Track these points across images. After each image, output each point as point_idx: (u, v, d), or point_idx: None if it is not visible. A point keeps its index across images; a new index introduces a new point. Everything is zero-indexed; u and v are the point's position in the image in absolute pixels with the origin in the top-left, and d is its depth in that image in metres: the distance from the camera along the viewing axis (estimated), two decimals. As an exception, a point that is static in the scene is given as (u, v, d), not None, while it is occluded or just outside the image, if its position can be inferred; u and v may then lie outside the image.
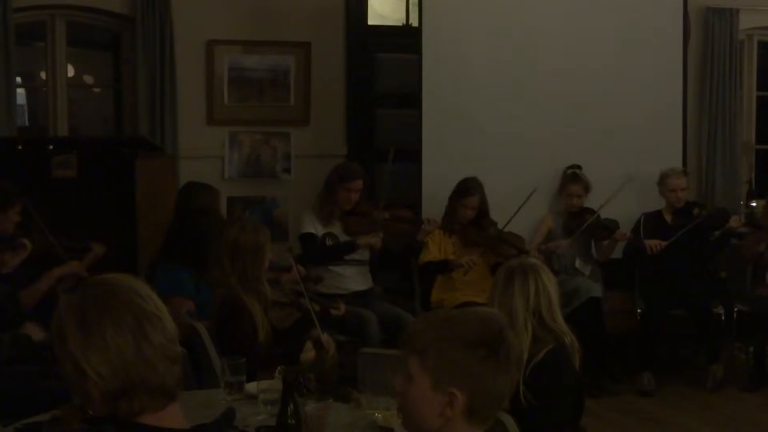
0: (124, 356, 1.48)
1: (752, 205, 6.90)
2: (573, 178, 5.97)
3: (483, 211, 5.64)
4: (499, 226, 5.59)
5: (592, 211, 5.86)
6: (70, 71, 6.55)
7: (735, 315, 5.97)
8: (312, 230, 5.38)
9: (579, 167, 6.02)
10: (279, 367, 2.96)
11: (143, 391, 1.50)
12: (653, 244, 5.83)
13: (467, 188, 5.60)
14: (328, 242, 5.39)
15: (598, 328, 5.64)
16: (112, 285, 1.54)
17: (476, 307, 2.06)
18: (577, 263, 5.91)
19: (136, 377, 1.49)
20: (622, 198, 5.81)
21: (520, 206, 5.49)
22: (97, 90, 7.69)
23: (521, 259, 3.13)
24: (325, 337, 3.80)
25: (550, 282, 3.03)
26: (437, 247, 5.59)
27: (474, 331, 1.84)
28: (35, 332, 4.14)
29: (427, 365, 1.82)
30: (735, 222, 5.92)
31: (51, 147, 5.46)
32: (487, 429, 1.96)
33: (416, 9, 6.25)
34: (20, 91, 6.57)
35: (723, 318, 5.92)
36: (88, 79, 7.54)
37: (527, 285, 2.96)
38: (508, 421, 2.46)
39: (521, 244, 5.62)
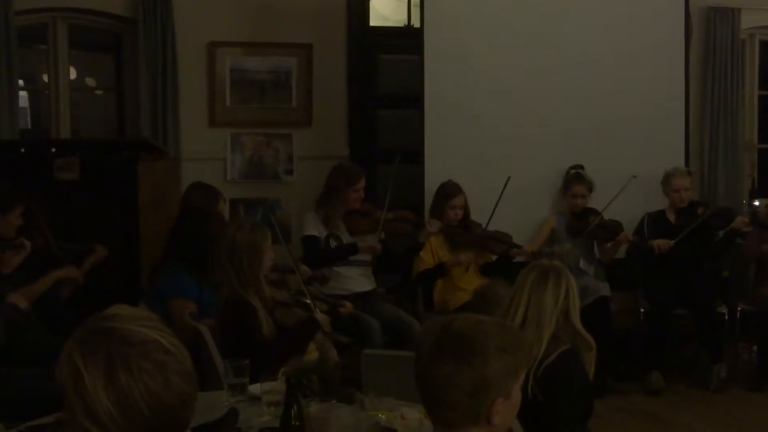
0: (151, 412, 1.43)
1: (755, 204, 6.89)
2: (577, 178, 5.97)
3: (467, 211, 5.67)
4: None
5: (595, 212, 5.86)
6: (72, 74, 6.55)
7: (738, 314, 5.96)
8: (315, 232, 5.38)
9: (581, 167, 6.02)
10: (282, 369, 2.96)
11: None
12: (660, 243, 5.82)
13: (451, 190, 5.64)
14: (332, 244, 5.39)
15: (606, 327, 5.65)
16: (142, 346, 1.45)
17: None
18: (581, 263, 5.91)
19: (161, 425, 1.46)
20: (625, 198, 5.80)
21: (497, 200, 5.47)
22: (99, 92, 7.70)
23: (551, 261, 3.18)
24: (321, 316, 3.81)
25: (575, 287, 3.11)
26: (430, 254, 5.59)
27: None
28: (20, 300, 4.13)
29: None
30: (739, 223, 5.90)
31: (53, 149, 5.46)
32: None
33: (418, 10, 6.25)
34: (22, 94, 6.58)
35: (726, 317, 5.92)
36: (90, 81, 7.55)
37: (560, 286, 3.03)
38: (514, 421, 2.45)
39: (510, 240, 5.64)
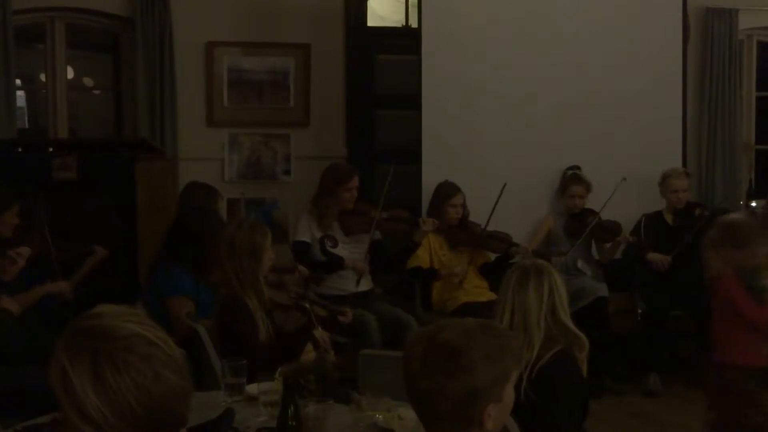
0: (141, 408, 1.42)
1: (752, 205, 6.90)
2: (574, 178, 5.97)
3: (466, 211, 5.67)
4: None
5: (593, 212, 5.86)
6: (70, 73, 6.55)
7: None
8: (306, 238, 5.37)
9: (579, 168, 6.02)
10: (279, 369, 2.96)
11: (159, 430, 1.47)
12: (658, 261, 5.80)
13: (449, 189, 5.64)
14: (328, 245, 5.38)
15: (603, 328, 5.65)
16: (126, 341, 1.43)
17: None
18: (579, 264, 5.91)
19: (154, 421, 1.45)
20: (623, 199, 5.80)
21: (494, 206, 5.46)
22: (96, 92, 7.69)
23: (534, 260, 3.16)
24: (319, 332, 3.77)
25: (561, 283, 3.06)
26: (427, 253, 5.59)
27: None
28: (11, 305, 4.10)
29: None
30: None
31: (51, 149, 5.46)
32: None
33: (415, 10, 6.25)
34: (20, 94, 6.57)
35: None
36: (88, 81, 7.55)
37: (542, 284, 2.99)
38: (510, 422, 2.45)
39: (509, 239, 5.64)
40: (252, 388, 3.00)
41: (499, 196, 5.44)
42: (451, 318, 2.18)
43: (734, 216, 3.94)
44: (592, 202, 5.93)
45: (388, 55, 6.72)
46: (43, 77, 6.47)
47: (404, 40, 6.54)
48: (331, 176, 5.42)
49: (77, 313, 1.51)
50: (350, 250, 5.42)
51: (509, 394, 1.93)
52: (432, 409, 1.88)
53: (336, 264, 5.33)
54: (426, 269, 5.57)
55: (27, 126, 7.26)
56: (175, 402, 1.46)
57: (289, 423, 2.56)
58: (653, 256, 5.83)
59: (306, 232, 5.39)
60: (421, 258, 5.57)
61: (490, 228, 5.56)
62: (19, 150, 5.55)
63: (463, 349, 1.86)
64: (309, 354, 3.81)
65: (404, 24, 6.93)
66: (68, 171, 5.31)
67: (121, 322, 1.47)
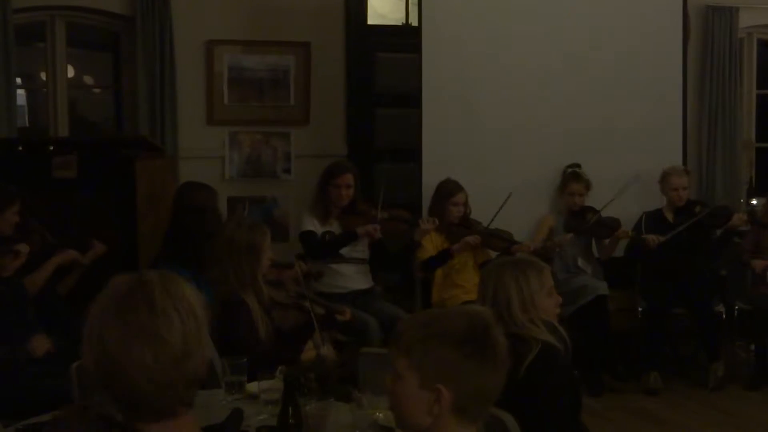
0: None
1: (752, 203, 6.90)
2: (574, 176, 5.97)
3: (467, 209, 5.67)
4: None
5: (593, 210, 5.86)
6: (70, 72, 6.54)
7: (736, 313, 5.97)
8: (312, 227, 5.39)
9: (579, 166, 6.02)
10: (280, 367, 2.96)
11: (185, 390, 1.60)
12: (651, 238, 5.82)
13: (452, 187, 5.64)
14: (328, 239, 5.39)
15: (604, 326, 5.65)
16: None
17: (464, 305, 2.07)
18: (579, 262, 5.91)
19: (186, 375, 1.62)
20: (623, 196, 5.80)
21: (498, 210, 5.48)
22: (97, 90, 7.68)
23: (499, 257, 3.11)
24: (325, 349, 3.77)
25: (514, 280, 2.88)
26: (432, 246, 5.59)
27: (459, 329, 1.85)
28: (41, 345, 4.05)
29: (413, 363, 1.84)
30: (737, 220, 5.91)
31: (51, 148, 5.46)
32: (486, 428, 1.96)
33: (416, 8, 6.25)
34: (20, 92, 6.56)
35: (724, 316, 5.92)
36: (88, 79, 7.54)
37: (484, 286, 2.92)
38: (509, 420, 2.45)
39: (510, 237, 5.64)
40: (252, 387, 3.00)
41: (503, 205, 5.45)
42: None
43: None
44: (593, 200, 5.93)
45: (388, 54, 6.72)
46: (43, 76, 6.46)
47: (404, 39, 6.55)
48: (323, 173, 5.45)
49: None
50: (350, 248, 5.42)
51: None
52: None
53: (350, 236, 5.34)
54: (438, 253, 5.55)
55: (27, 125, 7.25)
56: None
57: (290, 421, 2.57)
58: (649, 237, 5.83)
59: (310, 224, 5.41)
60: (428, 249, 5.56)
61: (491, 226, 5.57)
62: (20, 148, 5.55)
63: (451, 313, 1.95)
64: (309, 353, 3.82)
65: (404, 22, 6.93)
66: (68, 169, 5.32)
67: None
